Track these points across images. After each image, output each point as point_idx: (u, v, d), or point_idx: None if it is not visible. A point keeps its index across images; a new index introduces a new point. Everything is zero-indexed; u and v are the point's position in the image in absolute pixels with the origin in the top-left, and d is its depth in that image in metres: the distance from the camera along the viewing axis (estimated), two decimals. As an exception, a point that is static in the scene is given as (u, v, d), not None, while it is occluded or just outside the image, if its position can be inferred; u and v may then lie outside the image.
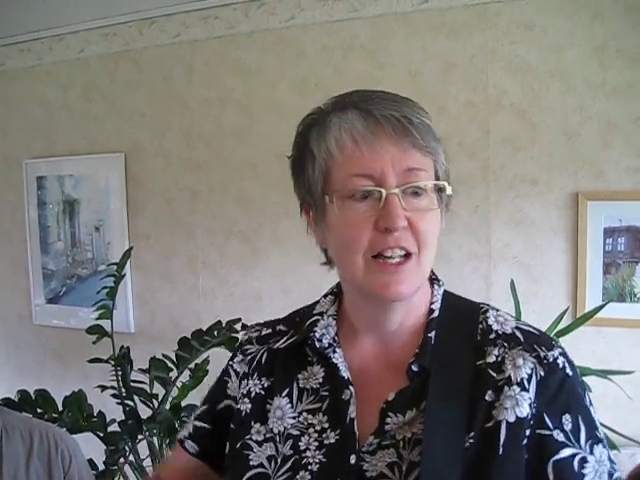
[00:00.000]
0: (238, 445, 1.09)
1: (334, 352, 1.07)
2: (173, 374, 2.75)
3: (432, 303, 1.07)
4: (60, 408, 2.58)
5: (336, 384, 1.05)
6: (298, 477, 1.01)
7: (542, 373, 0.96)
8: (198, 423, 1.23)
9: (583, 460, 0.93)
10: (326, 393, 1.06)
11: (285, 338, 1.15)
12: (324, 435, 1.03)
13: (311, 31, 3.15)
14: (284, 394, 1.09)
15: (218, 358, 2.83)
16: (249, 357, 1.18)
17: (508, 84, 2.87)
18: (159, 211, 3.51)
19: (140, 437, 2.60)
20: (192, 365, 2.72)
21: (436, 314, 1.05)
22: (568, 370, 0.98)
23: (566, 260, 2.83)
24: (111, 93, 3.60)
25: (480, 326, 1.03)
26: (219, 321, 2.66)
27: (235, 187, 3.32)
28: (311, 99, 3.38)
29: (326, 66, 3.13)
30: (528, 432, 0.93)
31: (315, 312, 1.14)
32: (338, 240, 1.01)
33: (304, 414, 1.06)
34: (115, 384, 2.71)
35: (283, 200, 3.18)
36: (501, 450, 0.92)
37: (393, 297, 0.98)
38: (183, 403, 2.66)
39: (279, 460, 1.04)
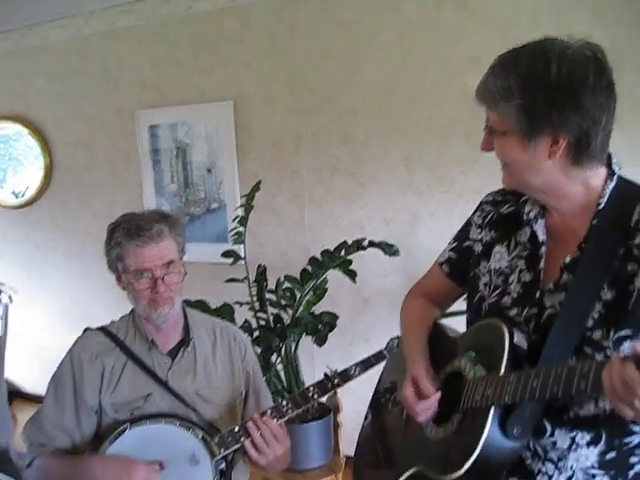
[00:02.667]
0: (472, 274, 1.62)
1: (536, 222, 1.50)
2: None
3: (601, 197, 1.40)
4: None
5: (535, 241, 1.49)
6: (502, 300, 1.50)
7: None
8: (451, 253, 1.76)
9: None
10: (529, 246, 1.50)
11: (507, 206, 1.62)
12: (521, 274, 1.49)
13: (407, -15, 3.47)
14: (504, 244, 1.56)
15: (335, 278, 3.24)
16: (484, 214, 1.66)
17: (592, 32, 3.14)
18: (266, 153, 3.91)
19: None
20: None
21: (601, 207, 1.40)
22: None
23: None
24: (217, 47, 3.98)
25: (636, 217, 1.36)
26: (345, 241, 3.04)
27: (338, 131, 3.69)
28: (409, 53, 3.74)
29: (422, 20, 3.44)
30: None
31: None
32: None
33: (515, 259, 1.52)
34: (249, 299, 3.13)
35: (384, 143, 3.56)
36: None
37: None
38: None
39: (492, 287, 1.54)
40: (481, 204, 1.70)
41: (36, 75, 4.73)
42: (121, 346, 2.13)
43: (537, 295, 1.44)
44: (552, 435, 1.41)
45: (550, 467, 1.42)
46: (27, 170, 5.09)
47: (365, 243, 2.95)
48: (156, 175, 4.26)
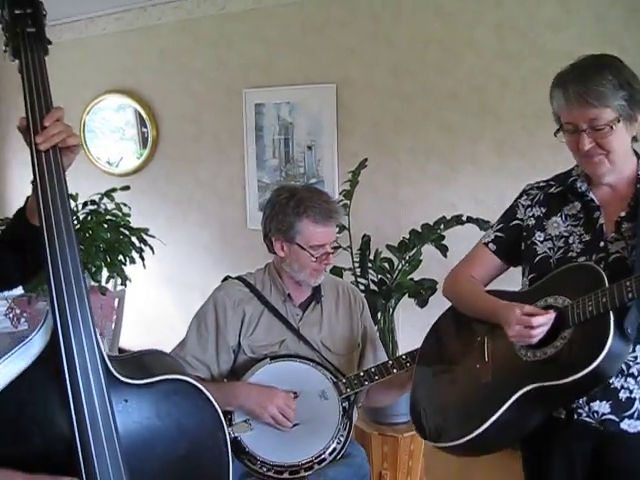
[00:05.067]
0: (529, 242, 1.93)
1: (589, 192, 1.85)
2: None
3: (638, 170, 1.82)
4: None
5: (589, 209, 1.84)
6: (568, 255, 1.83)
7: None
8: (497, 233, 2.04)
9: None
10: (582, 215, 1.85)
11: (554, 187, 1.95)
12: (581, 236, 1.83)
13: (509, -21, 3.70)
14: (558, 215, 1.90)
15: (428, 254, 3.50)
16: (531, 196, 1.98)
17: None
18: (366, 134, 4.20)
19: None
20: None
21: None
22: None
23: None
24: (325, 32, 4.28)
25: None
26: (443, 216, 3.30)
27: (436, 114, 3.96)
28: (506, 42, 3.97)
29: (521, 11, 3.67)
30: None
31: (573, 175, 1.91)
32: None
33: (570, 226, 1.86)
34: (350, 266, 3.43)
35: (480, 125, 3.81)
36: None
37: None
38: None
39: (555, 248, 1.86)
40: (525, 191, 2.03)
41: (148, 53, 5.11)
42: (259, 296, 2.43)
43: (602, 244, 1.78)
44: (634, 350, 1.69)
45: (631, 382, 1.71)
46: (101, 142, 5.56)
47: (463, 218, 3.21)
48: (258, 150, 4.60)
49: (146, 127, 5.25)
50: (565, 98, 1.73)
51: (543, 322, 1.71)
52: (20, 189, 5.67)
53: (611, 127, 1.69)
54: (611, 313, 1.62)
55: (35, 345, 1.55)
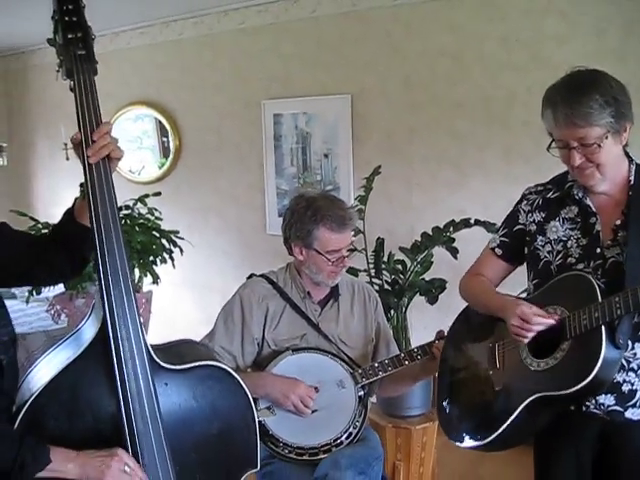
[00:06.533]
0: (532, 248, 2.05)
1: (585, 199, 1.96)
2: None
3: (630, 175, 1.93)
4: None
5: (586, 214, 1.95)
6: (567, 260, 1.95)
7: None
8: (502, 238, 2.18)
9: None
10: (579, 219, 1.96)
11: (552, 192, 2.05)
12: (578, 240, 1.95)
13: (514, -6, 3.90)
14: (556, 220, 2.00)
15: (439, 256, 3.68)
16: (530, 201, 2.09)
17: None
18: (380, 142, 4.40)
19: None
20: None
21: (632, 182, 1.92)
22: None
23: None
24: (340, 46, 4.49)
25: None
26: (453, 220, 3.48)
27: (446, 123, 4.15)
28: (513, 54, 4.19)
29: (526, 25, 3.86)
30: None
31: (569, 180, 2.00)
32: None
33: (568, 230, 1.97)
34: (365, 267, 3.61)
35: (488, 133, 4.00)
36: None
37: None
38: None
39: (554, 252, 1.98)
40: (524, 195, 2.15)
41: (171, 67, 5.35)
42: (281, 293, 2.63)
43: (598, 250, 1.89)
44: (633, 348, 1.84)
45: (632, 375, 1.85)
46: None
47: (472, 221, 3.39)
48: (277, 158, 4.83)
49: (167, 137, 5.48)
50: (554, 119, 1.85)
51: (542, 322, 1.87)
52: (47, 196, 5.95)
53: (599, 144, 1.80)
54: (603, 328, 1.76)
55: (85, 333, 1.74)
